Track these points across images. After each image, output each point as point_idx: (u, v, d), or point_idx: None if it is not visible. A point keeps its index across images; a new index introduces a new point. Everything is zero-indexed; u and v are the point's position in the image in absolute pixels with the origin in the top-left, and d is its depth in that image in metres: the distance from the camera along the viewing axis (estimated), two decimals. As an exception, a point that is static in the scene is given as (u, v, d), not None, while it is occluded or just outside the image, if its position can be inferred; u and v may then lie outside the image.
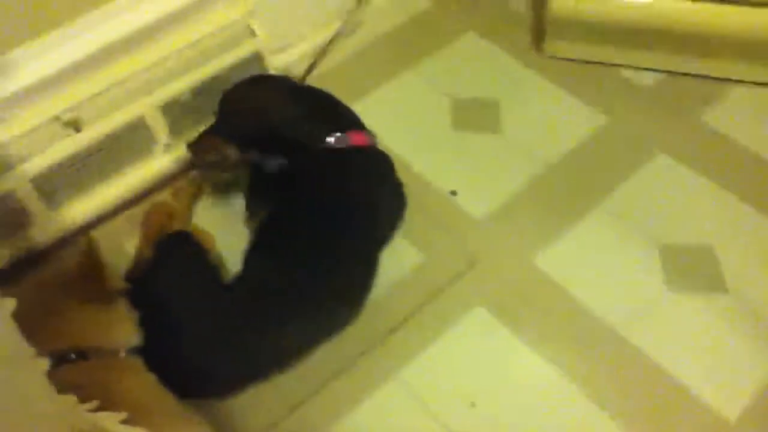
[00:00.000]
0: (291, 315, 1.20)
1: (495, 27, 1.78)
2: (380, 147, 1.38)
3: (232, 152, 1.33)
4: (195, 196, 1.45)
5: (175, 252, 1.26)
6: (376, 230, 1.33)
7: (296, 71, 1.65)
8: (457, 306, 1.32)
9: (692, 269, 1.37)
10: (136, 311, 1.12)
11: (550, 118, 1.61)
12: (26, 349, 0.62)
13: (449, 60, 1.72)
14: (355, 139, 1.32)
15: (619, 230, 1.42)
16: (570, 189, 1.49)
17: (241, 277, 1.25)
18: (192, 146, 1.36)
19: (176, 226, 1.36)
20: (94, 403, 0.90)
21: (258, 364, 1.21)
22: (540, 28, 1.71)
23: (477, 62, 1.72)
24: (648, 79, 1.67)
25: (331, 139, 1.30)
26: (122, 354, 1.07)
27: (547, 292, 1.34)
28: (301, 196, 1.29)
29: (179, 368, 1.12)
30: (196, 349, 1.15)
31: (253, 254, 1.28)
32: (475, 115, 1.62)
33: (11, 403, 0.60)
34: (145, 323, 1.13)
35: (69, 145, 1.29)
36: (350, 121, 1.36)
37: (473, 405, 1.21)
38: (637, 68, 1.68)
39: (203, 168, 1.42)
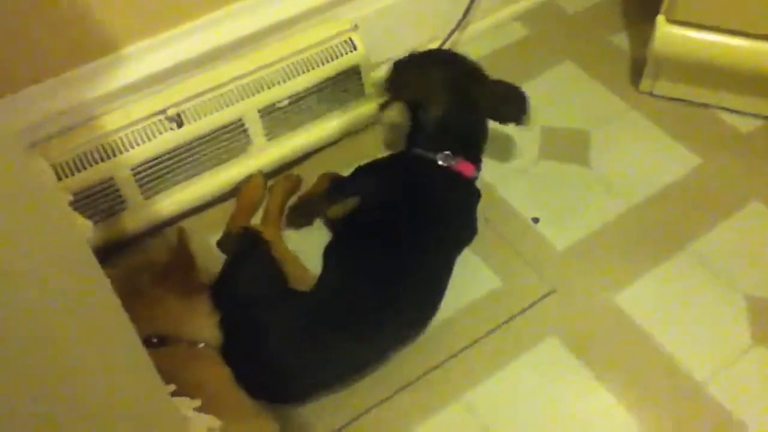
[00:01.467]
0: (369, 324, 1.21)
1: (594, 59, 1.76)
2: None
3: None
4: (290, 192, 1.48)
5: (246, 253, 1.29)
6: (454, 250, 1.34)
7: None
8: (531, 334, 1.31)
9: (781, 324, 1.31)
10: (218, 309, 1.15)
11: (642, 155, 1.58)
12: (127, 320, 0.65)
13: (543, 88, 1.70)
14: (462, 166, 1.32)
15: (704, 277, 1.38)
16: (656, 229, 1.46)
17: (320, 283, 1.26)
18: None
19: (268, 224, 1.38)
20: (170, 387, 0.93)
21: (332, 374, 1.21)
22: (640, 65, 1.68)
23: (571, 92, 1.70)
24: (747, 124, 1.62)
25: (440, 157, 1.31)
26: (200, 345, 1.10)
27: (623, 330, 1.31)
28: (390, 203, 1.29)
29: (253, 371, 1.12)
30: (273, 354, 1.16)
31: (331, 261, 1.30)
32: (565, 146, 1.60)
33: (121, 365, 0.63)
34: (222, 322, 1.15)
35: (170, 138, 1.35)
36: (473, 148, 1.37)
37: (537, 436, 1.20)
38: (736, 112, 1.63)
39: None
